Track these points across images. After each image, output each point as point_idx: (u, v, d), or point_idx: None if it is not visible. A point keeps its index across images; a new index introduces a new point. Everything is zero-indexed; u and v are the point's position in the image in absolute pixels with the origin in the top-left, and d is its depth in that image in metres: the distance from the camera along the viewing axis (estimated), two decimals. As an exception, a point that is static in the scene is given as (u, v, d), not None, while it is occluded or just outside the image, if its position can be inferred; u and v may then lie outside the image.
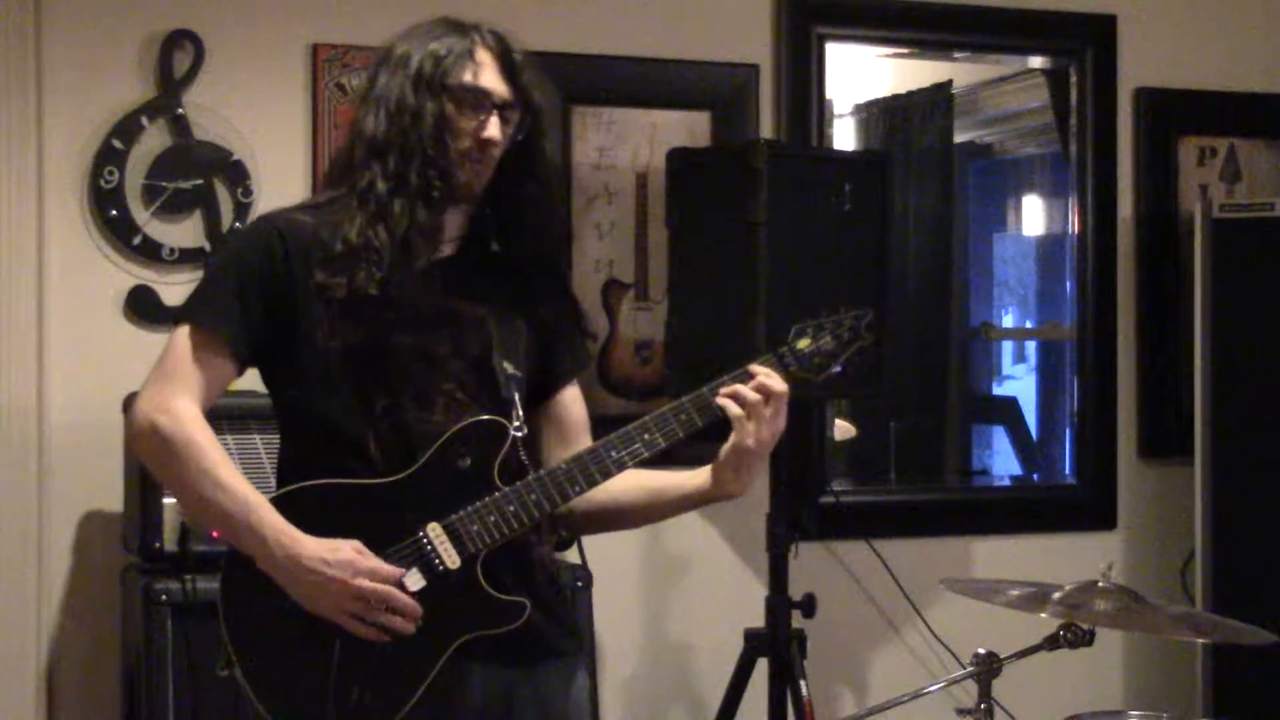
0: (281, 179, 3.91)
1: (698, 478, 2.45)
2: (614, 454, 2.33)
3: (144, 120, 3.87)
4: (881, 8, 4.49)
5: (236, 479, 2.27)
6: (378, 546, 2.26)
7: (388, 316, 2.31)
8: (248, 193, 3.90)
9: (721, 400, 2.35)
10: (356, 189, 2.33)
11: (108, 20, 3.87)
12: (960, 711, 2.95)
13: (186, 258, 3.86)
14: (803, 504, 4.15)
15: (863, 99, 5.56)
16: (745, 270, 3.75)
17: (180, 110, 3.88)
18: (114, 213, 3.85)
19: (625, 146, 4.23)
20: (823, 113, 4.46)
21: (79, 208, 3.85)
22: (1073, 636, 2.89)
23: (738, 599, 4.21)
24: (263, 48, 3.97)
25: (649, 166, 4.22)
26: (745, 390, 2.36)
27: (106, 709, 3.78)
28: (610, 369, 4.23)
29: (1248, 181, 4.77)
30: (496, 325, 2.38)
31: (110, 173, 3.84)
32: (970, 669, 2.96)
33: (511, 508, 2.29)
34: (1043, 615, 2.93)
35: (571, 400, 2.53)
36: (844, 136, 5.58)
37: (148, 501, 3.45)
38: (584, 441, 2.48)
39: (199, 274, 3.60)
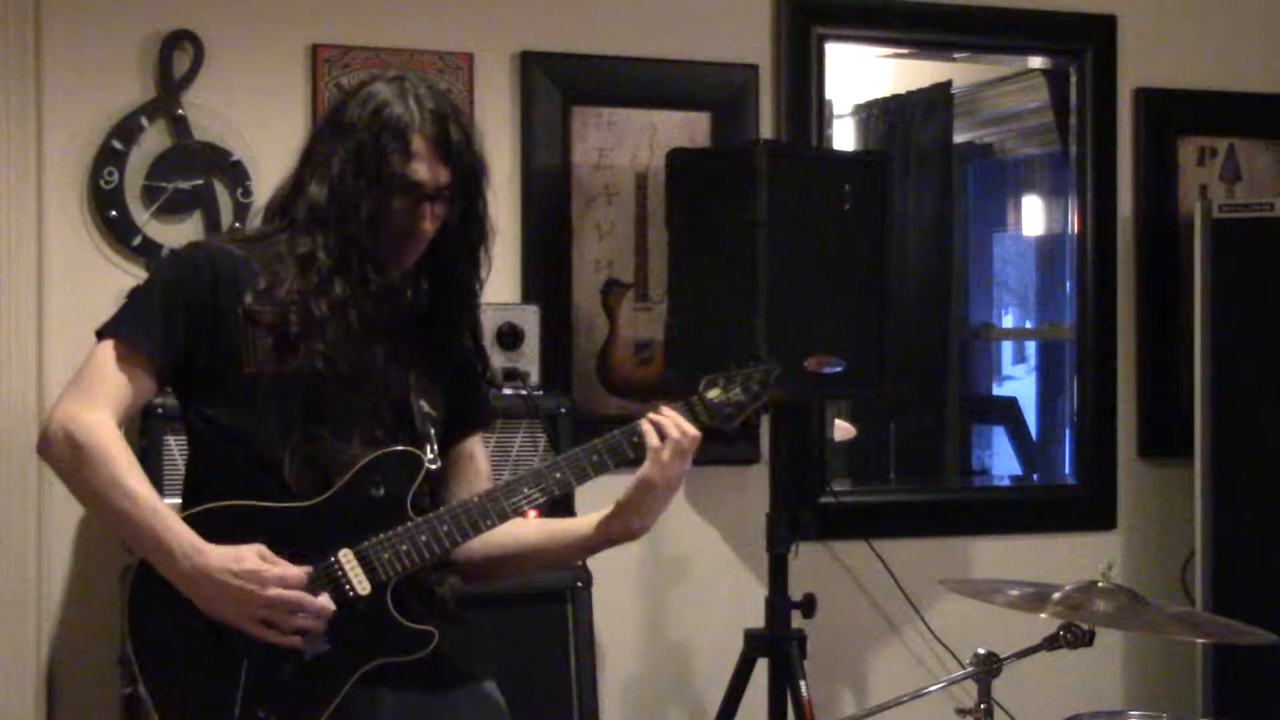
0: (281, 179, 3.90)
1: (598, 520, 2.50)
2: (525, 490, 2.38)
3: (144, 120, 3.87)
4: (881, 8, 4.49)
5: (146, 490, 2.28)
6: None
7: (313, 348, 2.33)
8: (247, 193, 3.90)
9: (645, 426, 2.41)
10: (295, 248, 2.36)
11: (108, 20, 3.87)
12: (960, 711, 2.95)
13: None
14: (803, 504, 4.14)
15: (863, 99, 5.56)
16: (745, 270, 3.75)
17: (180, 110, 3.88)
18: (114, 213, 3.85)
19: (625, 146, 4.23)
20: (823, 113, 4.46)
21: (79, 208, 3.85)
22: (1073, 636, 2.89)
23: (738, 599, 4.21)
24: (263, 48, 3.97)
25: (649, 166, 4.22)
26: (667, 423, 2.41)
27: (106, 709, 3.78)
28: (610, 369, 4.23)
29: (1247, 181, 4.77)
30: (415, 368, 2.43)
31: (110, 173, 3.84)
32: (970, 669, 2.96)
33: (424, 537, 2.33)
34: (1042, 615, 2.92)
35: (475, 452, 2.58)
36: (844, 136, 5.58)
37: (147, 502, 3.45)
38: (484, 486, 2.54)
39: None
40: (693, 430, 2.43)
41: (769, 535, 3.88)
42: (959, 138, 5.61)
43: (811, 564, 4.22)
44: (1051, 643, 2.92)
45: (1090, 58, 4.64)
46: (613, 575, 3.98)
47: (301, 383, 2.32)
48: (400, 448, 2.35)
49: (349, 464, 2.32)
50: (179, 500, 2.40)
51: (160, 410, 3.40)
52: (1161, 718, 3.27)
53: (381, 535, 2.31)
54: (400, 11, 4.02)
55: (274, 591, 2.23)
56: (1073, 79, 4.68)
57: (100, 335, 2.38)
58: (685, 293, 3.91)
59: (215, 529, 2.27)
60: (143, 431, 3.44)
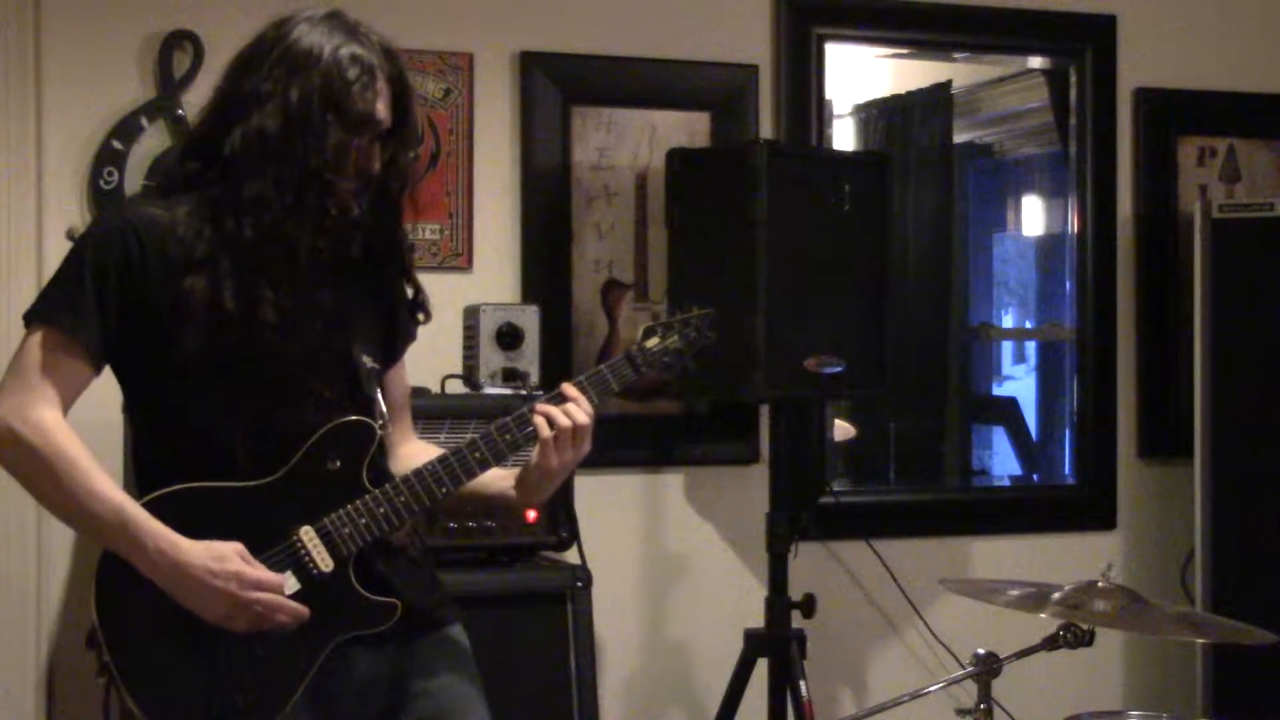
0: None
1: (503, 482, 2.51)
2: (478, 454, 2.39)
3: (144, 120, 3.87)
4: (881, 8, 4.49)
5: (109, 487, 2.25)
6: (252, 550, 2.27)
7: (254, 316, 2.28)
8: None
9: (536, 419, 2.41)
10: (243, 190, 2.28)
11: (108, 20, 3.87)
12: (960, 711, 2.95)
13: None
14: (803, 504, 4.15)
15: (863, 99, 5.56)
16: (745, 270, 3.75)
17: (180, 110, 3.88)
18: (114, 213, 3.85)
19: (625, 146, 4.23)
20: (822, 113, 4.46)
21: (79, 208, 3.85)
22: (1073, 636, 2.89)
23: (738, 599, 4.21)
24: (263, 48, 3.97)
25: (649, 166, 4.22)
26: (558, 414, 2.42)
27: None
28: (610, 369, 4.22)
29: (1247, 181, 4.77)
30: (355, 315, 2.41)
31: (110, 173, 3.84)
32: (970, 669, 2.96)
33: (382, 510, 2.33)
34: (1043, 615, 2.92)
35: (398, 376, 2.58)
36: (844, 136, 5.58)
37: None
38: (405, 420, 2.58)
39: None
40: (584, 418, 2.41)
41: (769, 535, 3.89)
42: (959, 138, 5.61)
43: (811, 564, 4.22)
44: (1051, 643, 2.92)
45: (1090, 58, 4.64)
46: (613, 575, 3.99)
47: (244, 352, 2.28)
48: (353, 417, 2.34)
49: (302, 435, 2.31)
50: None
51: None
52: (1162, 718, 3.27)
53: (341, 510, 2.31)
54: (400, 11, 4.01)
55: (253, 594, 2.23)
56: (1073, 79, 4.68)
57: (30, 321, 2.31)
58: (685, 293, 3.90)
59: (175, 515, 2.25)
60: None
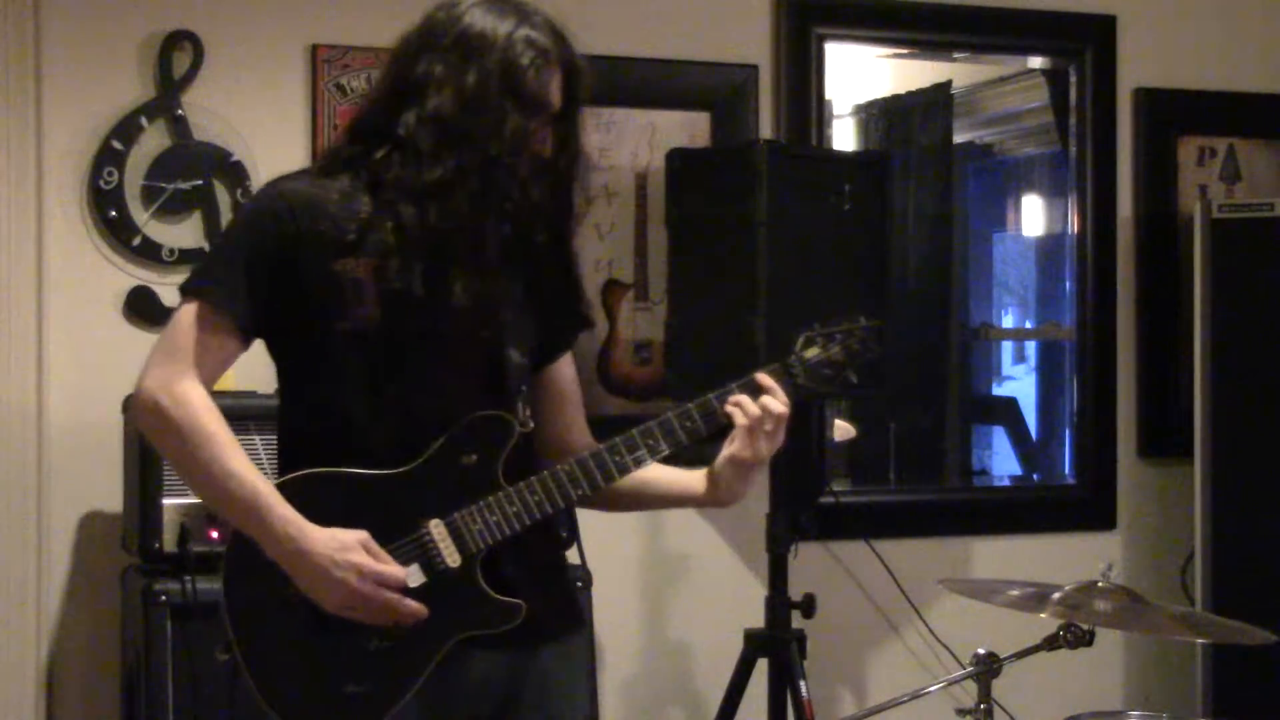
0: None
1: (692, 480, 2.46)
2: (617, 459, 2.33)
3: (144, 121, 3.87)
4: (881, 8, 4.49)
5: (245, 466, 2.24)
6: (380, 540, 2.25)
7: (403, 300, 2.27)
8: (247, 193, 3.89)
9: (730, 409, 2.35)
10: (422, 175, 2.25)
11: (108, 20, 3.87)
12: (960, 711, 2.96)
13: (186, 258, 3.85)
14: (803, 504, 4.14)
15: (863, 99, 5.56)
16: (745, 270, 3.75)
17: (180, 111, 3.88)
18: (113, 213, 3.85)
19: (625, 146, 4.23)
20: (822, 113, 4.46)
21: (79, 208, 3.85)
22: (1073, 636, 2.89)
23: (738, 599, 4.21)
24: (263, 48, 3.97)
25: (649, 166, 4.22)
26: (751, 404, 2.35)
27: (106, 709, 3.78)
28: (610, 369, 4.22)
29: (1247, 181, 4.77)
30: (504, 298, 2.35)
31: (110, 173, 3.84)
32: (970, 669, 2.96)
33: (514, 507, 2.29)
34: (1043, 615, 2.93)
35: (566, 371, 2.53)
36: (844, 136, 5.58)
37: (147, 502, 3.45)
38: (576, 415, 2.51)
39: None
40: (781, 409, 2.35)
41: (769, 535, 3.88)
42: (959, 138, 5.61)
43: (811, 564, 4.22)
44: (1051, 643, 2.93)
45: (1090, 58, 4.64)
46: (613, 575, 3.99)
47: (389, 336, 2.27)
48: (492, 412, 2.30)
49: (442, 426, 2.28)
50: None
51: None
52: (1162, 718, 3.27)
53: (472, 505, 2.27)
54: (400, 12, 3.97)
55: (370, 589, 2.21)
56: (1073, 79, 4.68)
57: (184, 294, 2.31)
58: (685, 293, 3.91)
59: (307, 499, 2.23)
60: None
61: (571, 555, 3.72)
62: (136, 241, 3.86)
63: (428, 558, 2.27)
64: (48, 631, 3.82)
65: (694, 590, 4.30)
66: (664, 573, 4.28)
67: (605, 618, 3.92)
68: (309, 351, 2.31)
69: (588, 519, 3.77)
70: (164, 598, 3.40)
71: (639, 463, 2.34)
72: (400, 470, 2.28)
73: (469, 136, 2.25)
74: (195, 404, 2.25)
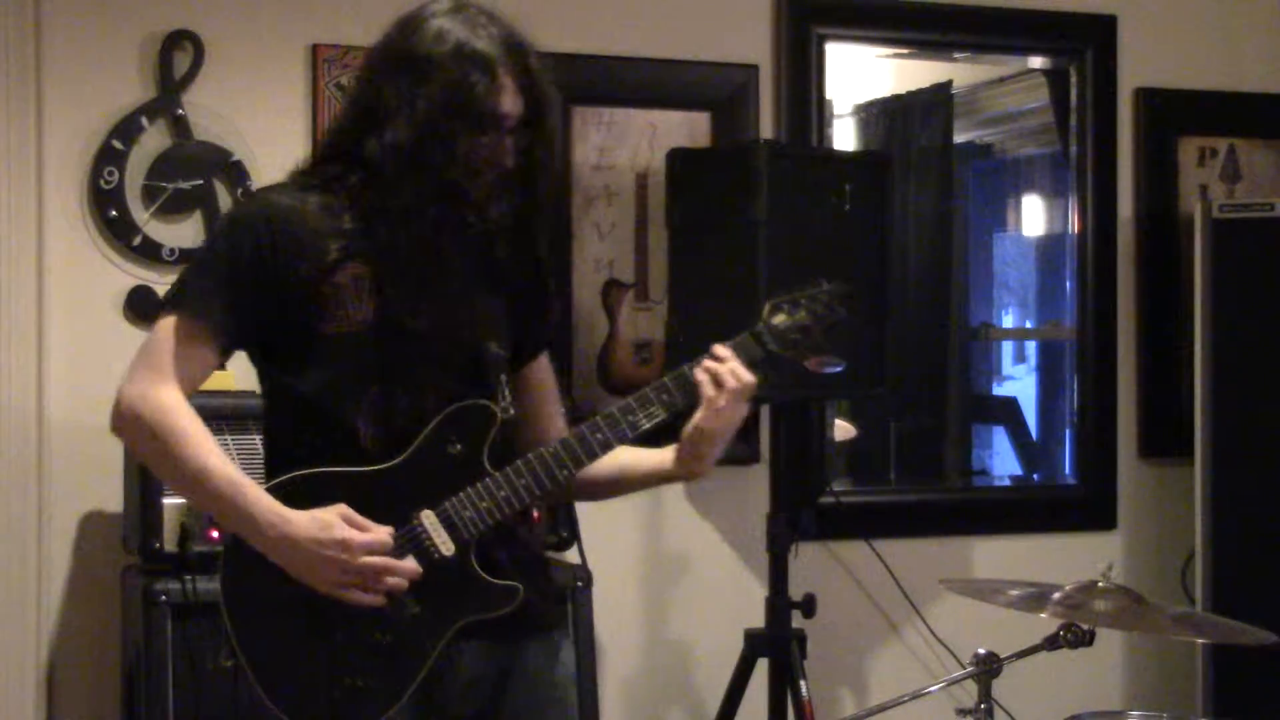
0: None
1: (660, 457, 2.48)
2: (599, 436, 2.36)
3: (144, 120, 3.87)
4: (881, 8, 4.49)
5: (224, 464, 2.29)
6: None
7: (380, 302, 2.32)
8: (248, 193, 3.89)
9: (700, 375, 2.38)
10: (389, 201, 2.30)
11: (108, 20, 3.87)
12: (960, 711, 2.96)
13: (186, 258, 3.85)
14: (803, 504, 4.14)
15: (863, 99, 5.56)
16: (745, 270, 3.75)
17: (180, 110, 3.88)
18: (114, 213, 3.85)
19: (625, 146, 4.23)
20: (823, 113, 4.46)
21: (79, 208, 3.85)
22: (1073, 636, 2.89)
23: (738, 599, 4.21)
24: (263, 48, 3.97)
25: (649, 166, 4.22)
26: (722, 370, 2.38)
27: (106, 709, 3.78)
28: (610, 369, 4.23)
29: (1248, 181, 4.77)
30: (480, 302, 2.40)
31: (110, 173, 3.84)
32: (970, 669, 2.96)
33: (503, 493, 2.32)
34: (1043, 615, 2.93)
35: (542, 370, 2.57)
36: (844, 136, 5.57)
37: (148, 502, 3.45)
38: (555, 410, 2.55)
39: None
40: (748, 377, 2.38)
41: (769, 535, 3.88)
42: (959, 138, 5.61)
43: (811, 564, 4.22)
44: (1051, 643, 2.92)
45: (1090, 58, 4.64)
46: (613, 575, 3.99)
47: (369, 337, 2.31)
48: (473, 401, 2.34)
49: (426, 420, 2.32)
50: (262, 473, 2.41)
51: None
52: (1162, 717, 3.27)
53: (462, 494, 2.31)
54: (400, 12, 4.01)
55: (362, 560, 2.24)
56: (1073, 79, 4.68)
57: (163, 308, 2.36)
58: (685, 293, 3.91)
59: (297, 500, 2.27)
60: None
61: (571, 555, 3.75)
62: (137, 241, 3.86)
63: (422, 548, 2.30)
64: (48, 631, 3.82)
65: (694, 590, 4.30)
66: (664, 573, 4.28)
67: (605, 618, 3.92)
68: (291, 357, 2.34)
69: (588, 519, 3.79)
70: (164, 598, 3.40)
71: (621, 438, 2.37)
72: (388, 465, 2.31)
73: (425, 164, 2.30)
74: (172, 409, 2.29)
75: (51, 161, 3.83)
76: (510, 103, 2.35)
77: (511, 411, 2.41)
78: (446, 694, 2.34)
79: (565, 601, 2.54)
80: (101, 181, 3.84)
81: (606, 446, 2.37)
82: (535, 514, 3.57)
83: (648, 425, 2.38)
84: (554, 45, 4.12)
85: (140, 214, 3.86)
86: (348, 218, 2.33)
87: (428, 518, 2.30)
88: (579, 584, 3.71)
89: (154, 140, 3.88)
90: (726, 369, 2.38)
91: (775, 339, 2.45)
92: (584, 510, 3.77)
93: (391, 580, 2.26)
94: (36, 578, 3.77)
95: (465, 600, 2.31)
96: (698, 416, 2.39)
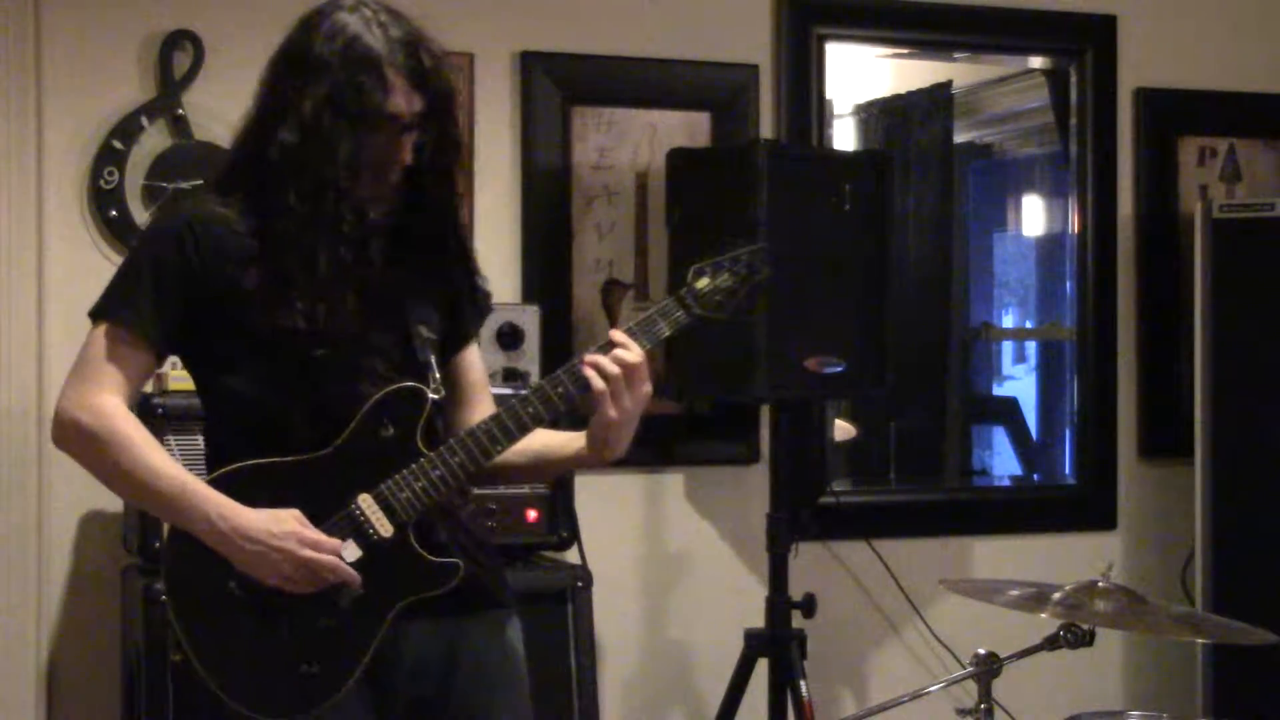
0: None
1: (577, 442, 2.49)
2: (531, 410, 2.37)
3: (144, 120, 3.87)
4: (881, 8, 4.49)
5: (168, 463, 2.32)
6: (313, 522, 2.31)
7: (307, 294, 2.33)
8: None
9: (586, 372, 2.39)
10: (277, 200, 2.33)
11: (108, 20, 3.87)
12: (960, 711, 2.95)
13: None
14: (803, 504, 4.14)
15: (863, 99, 5.56)
16: (745, 270, 3.74)
17: (180, 110, 3.88)
18: (114, 213, 3.85)
19: (625, 146, 4.23)
20: (823, 113, 4.46)
21: (79, 208, 3.85)
22: (1073, 636, 2.89)
23: (738, 599, 4.21)
24: (263, 48, 3.91)
25: (649, 166, 4.22)
26: (606, 362, 2.40)
27: (106, 708, 3.78)
28: (610, 369, 4.22)
29: (1248, 181, 4.77)
30: (408, 289, 2.43)
31: (110, 173, 3.84)
32: (970, 669, 2.96)
33: (438, 472, 2.34)
34: (1043, 615, 2.92)
35: (473, 358, 2.59)
36: (844, 136, 5.57)
37: (148, 501, 3.45)
38: (485, 400, 2.56)
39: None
40: (634, 358, 2.40)
41: (769, 535, 3.88)
42: (959, 138, 5.61)
43: (811, 564, 4.22)
44: (1051, 643, 2.92)
45: (1090, 58, 4.64)
46: (613, 575, 3.99)
47: (297, 330, 2.33)
48: (403, 384, 2.37)
49: (358, 406, 2.34)
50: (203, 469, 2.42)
51: (161, 411, 3.41)
52: (1162, 718, 3.27)
53: (397, 475, 2.33)
54: (400, 11, 4.01)
55: (309, 554, 2.27)
56: (1073, 79, 4.68)
57: (94, 318, 2.39)
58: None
59: (237, 491, 2.30)
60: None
61: (571, 555, 3.75)
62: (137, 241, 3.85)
63: (361, 531, 2.33)
64: (48, 631, 3.83)
65: (694, 590, 4.30)
66: (664, 573, 4.28)
67: (605, 618, 3.92)
68: (223, 356, 2.38)
69: (588, 519, 3.79)
70: (164, 597, 3.39)
71: (552, 409, 2.37)
72: (323, 453, 2.34)
73: (309, 164, 2.32)
74: (110, 413, 2.32)
75: (51, 161, 3.83)
76: (402, 101, 2.35)
77: (443, 392, 2.43)
78: (394, 676, 2.37)
79: (504, 579, 2.53)
80: (101, 181, 3.84)
81: (538, 420, 2.38)
82: (533, 514, 3.59)
83: (575, 400, 2.38)
84: (554, 45, 4.17)
85: (140, 214, 3.86)
86: (255, 220, 2.36)
87: (365, 501, 2.33)
88: (579, 584, 3.70)
89: (154, 140, 3.88)
90: (608, 358, 2.39)
91: (699, 303, 2.48)
92: (584, 510, 3.77)
93: (337, 579, 2.29)
94: (37, 578, 3.77)
95: (406, 580, 2.34)
96: (597, 408, 2.40)
